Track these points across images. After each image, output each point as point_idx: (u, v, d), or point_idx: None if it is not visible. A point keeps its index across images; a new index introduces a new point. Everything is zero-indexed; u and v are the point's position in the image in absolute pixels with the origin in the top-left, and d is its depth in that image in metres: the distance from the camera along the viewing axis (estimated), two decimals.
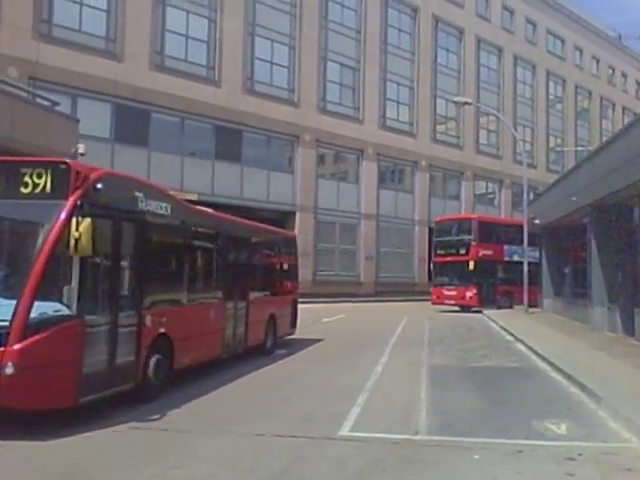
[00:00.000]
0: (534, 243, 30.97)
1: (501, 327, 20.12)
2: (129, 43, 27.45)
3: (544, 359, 12.39)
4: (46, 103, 22.18)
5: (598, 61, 56.55)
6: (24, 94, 21.82)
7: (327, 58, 36.16)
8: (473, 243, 29.57)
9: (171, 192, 10.10)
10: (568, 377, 10.20)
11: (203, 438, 6.62)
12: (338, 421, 7.29)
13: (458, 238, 30.70)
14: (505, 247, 30.99)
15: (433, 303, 30.44)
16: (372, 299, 34.63)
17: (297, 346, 14.62)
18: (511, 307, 29.56)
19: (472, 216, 32.66)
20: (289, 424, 7.21)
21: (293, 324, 15.78)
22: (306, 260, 34.09)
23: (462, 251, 29.81)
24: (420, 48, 41.19)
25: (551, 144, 52.27)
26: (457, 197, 43.71)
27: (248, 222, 13.85)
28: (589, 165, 18.94)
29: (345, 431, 6.95)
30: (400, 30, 40.50)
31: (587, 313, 19.07)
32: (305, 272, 33.96)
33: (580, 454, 6.12)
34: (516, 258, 30.59)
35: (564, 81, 53.08)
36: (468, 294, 29.14)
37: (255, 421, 7.36)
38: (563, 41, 52.90)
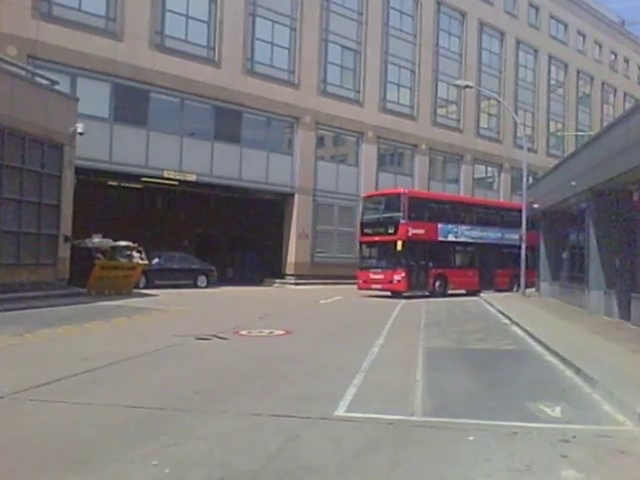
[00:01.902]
0: (490, 223, 30.70)
1: (498, 310, 20.18)
2: (129, 23, 27.28)
3: (540, 342, 12.45)
4: (45, 82, 22.16)
5: (601, 46, 56.21)
6: (23, 73, 21.79)
7: (328, 40, 35.90)
8: (402, 221, 26.62)
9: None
10: (563, 360, 10.25)
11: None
12: (334, 401, 7.33)
13: (386, 215, 27.96)
14: (439, 226, 28.28)
15: (359, 288, 27.87)
16: None
17: None
18: (445, 292, 27.90)
19: (401, 190, 28.88)
20: (285, 403, 7.25)
21: None
22: (305, 242, 34.24)
23: (390, 230, 26.85)
24: (422, 31, 40.89)
25: (552, 129, 52.11)
26: (456, 181, 43.61)
27: None
28: (589, 150, 18.93)
29: (341, 411, 6.98)
30: (402, 12, 40.15)
31: (584, 297, 19.14)
32: (303, 254, 34.19)
33: (574, 436, 6.16)
34: (452, 238, 28.69)
35: (566, 66, 52.81)
36: (396, 278, 26.39)
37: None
38: (566, 26, 52.53)
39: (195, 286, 29.07)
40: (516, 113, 42.80)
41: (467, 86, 32.72)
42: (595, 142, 18.46)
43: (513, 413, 7.01)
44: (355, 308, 21.83)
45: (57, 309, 17.28)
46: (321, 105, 35.06)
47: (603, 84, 56.60)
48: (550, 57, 50.97)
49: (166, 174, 29.01)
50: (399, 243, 26.28)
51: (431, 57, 41.53)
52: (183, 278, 28.91)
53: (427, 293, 27.30)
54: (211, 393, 7.84)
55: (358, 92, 37.47)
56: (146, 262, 24.97)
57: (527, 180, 29.31)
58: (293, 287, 32.22)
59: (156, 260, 27.45)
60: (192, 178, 29.97)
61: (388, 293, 26.92)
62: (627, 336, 13.32)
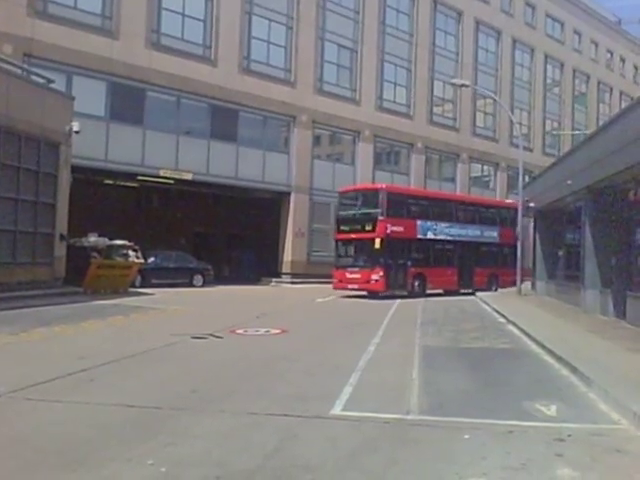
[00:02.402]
0: (469, 221, 30.26)
1: (493, 309, 20.21)
2: (125, 21, 27.24)
3: (535, 341, 12.46)
4: (41, 80, 22.11)
5: (597, 45, 56.30)
6: (19, 71, 21.75)
7: (324, 38, 35.90)
8: (380, 218, 25.37)
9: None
10: (559, 359, 10.26)
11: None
12: (330, 400, 7.34)
13: (363, 212, 26.74)
14: (419, 223, 27.20)
15: (334, 287, 26.57)
16: None
17: None
18: (424, 292, 26.72)
19: (379, 186, 27.93)
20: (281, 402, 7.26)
21: None
22: (301, 240, 34.24)
23: (368, 227, 25.63)
24: (418, 30, 40.89)
25: (548, 127, 52.19)
26: (452, 179, 43.66)
27: None
28: (585, 149, 18.91)
29: (337, 410, 6.99)
30: (398, 11, 40.14)
31: (580, 296, 19.16)
32: (300, 252, 34.19)
33: (569, 435, 6.17)
34: (431, 236, 27.67)
35: (562, 65, 52.88)
36: (374, 277, 25.15)
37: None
38: (562, 25, 52.60)
39: (191, 285, 29.04)
40: (512, 112, 42.84)
41: (463, 85, 32.73)
42: (592, 140, 18.43)
43: (509, 412, 7.02)
44: (351, 307, 21.84)
45: (53, 308, 17.25)
46: (317, 104, 35.05)
47: (599, 83, 56.69)
48: (546, 56, 51.03)
49: (162, 173, 28.98)
50: (377, 241, 25.08)
51: (427, 56, 41.54)
52: (179, 277, 28.88)
53: (405, 293, 26.25)
54: (208, 392, 7.84)
55: (354, 91, 37.47)
56: (142, 261, 24.94)
57: (523, 179, 29.30)
58: (289, 286, 32.21)
59: (152, 259, 27.43)
60: (188, 177, 29.95)
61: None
62: (623, 335, 13.35)
